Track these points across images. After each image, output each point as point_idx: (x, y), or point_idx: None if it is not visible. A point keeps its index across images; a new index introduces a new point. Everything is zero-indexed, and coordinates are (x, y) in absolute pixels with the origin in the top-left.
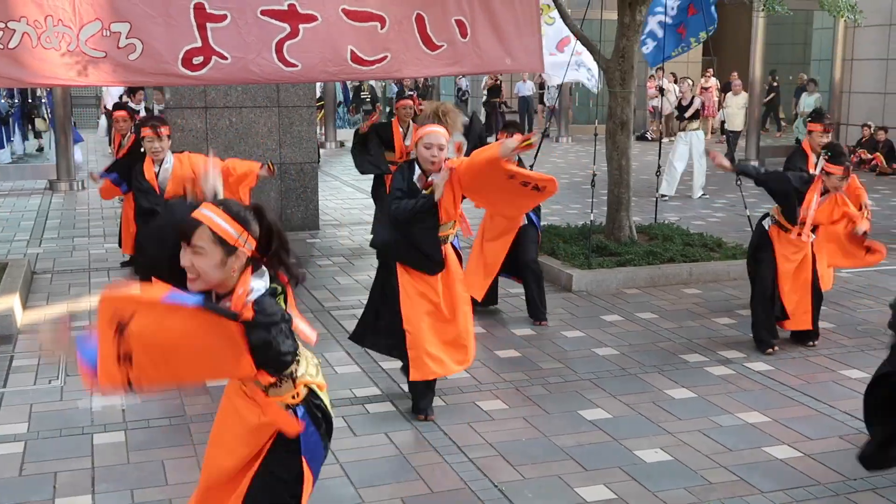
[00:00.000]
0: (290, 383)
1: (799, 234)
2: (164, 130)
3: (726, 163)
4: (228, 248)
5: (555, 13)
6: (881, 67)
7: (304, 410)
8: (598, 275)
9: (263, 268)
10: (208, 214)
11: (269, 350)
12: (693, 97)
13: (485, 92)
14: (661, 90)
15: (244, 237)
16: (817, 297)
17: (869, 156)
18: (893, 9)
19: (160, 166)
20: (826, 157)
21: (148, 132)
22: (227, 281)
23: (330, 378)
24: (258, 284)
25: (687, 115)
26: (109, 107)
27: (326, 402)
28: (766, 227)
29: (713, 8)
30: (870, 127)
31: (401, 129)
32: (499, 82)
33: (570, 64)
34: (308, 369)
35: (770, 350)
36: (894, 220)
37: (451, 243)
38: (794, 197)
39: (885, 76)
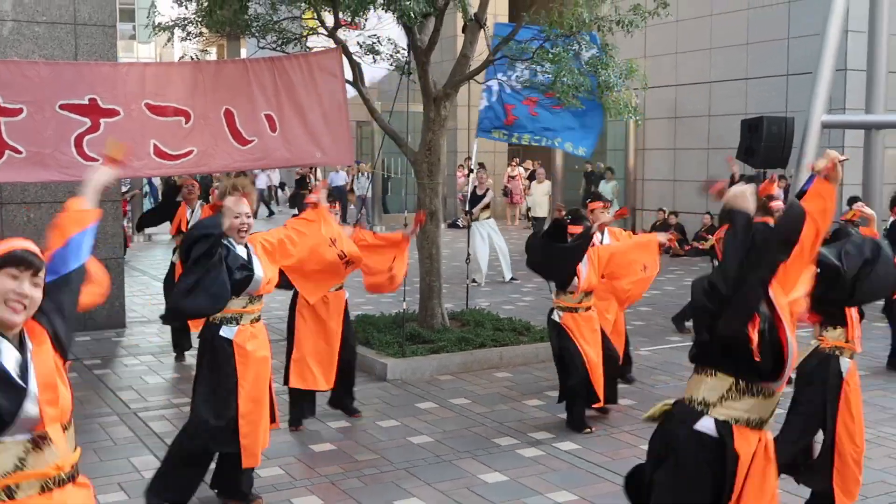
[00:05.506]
0: None
1: (587, 309)
2: None
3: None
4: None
5: None
6: (669, 157)
7: None
8: (412, 363)
9: None
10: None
11: None
12: (487, 189)
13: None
14: (471, 171)
15: None
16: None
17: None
18: (677, 103)
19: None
20: (568, 220)
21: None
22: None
23: (137, 484)
24: None
25: (478, 207)
26: None
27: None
28: (559, 320)
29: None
30: (664, 211)
31: (188, 211)
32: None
33: None
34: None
35: (588, 430)
36: (686, 300)
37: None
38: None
39: (673, 165)
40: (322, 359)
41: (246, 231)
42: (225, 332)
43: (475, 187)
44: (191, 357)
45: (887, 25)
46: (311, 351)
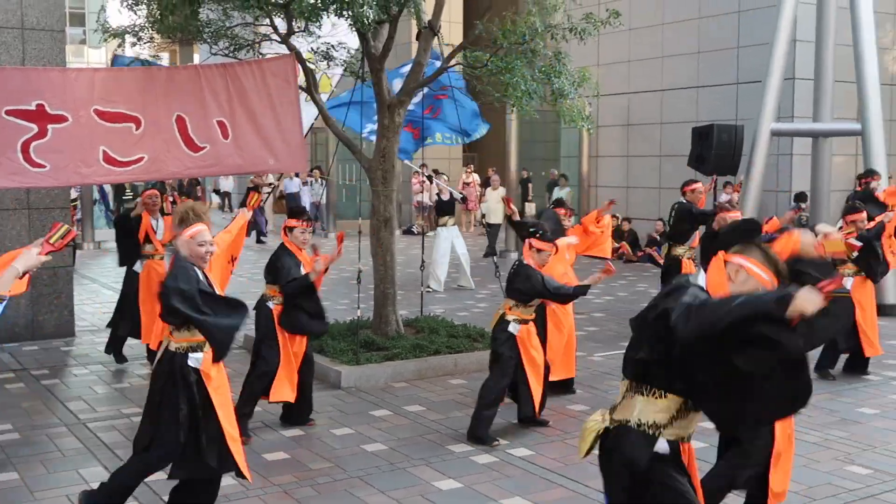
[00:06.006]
0: None
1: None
2: None
3: None
4: None
5: None
6: (622, 163)
7: None
8: (367, 370)
9: None
10: None
11: None
12: (451, 193)
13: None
14: (430, 178)
15: None
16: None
17: (616, 244)
18: (630, 111)
19: None
20: (537, 235)
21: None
22: None
23: None
24: None
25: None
26: None
27: None
28: (516, 333)
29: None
30: (617, 218)
31: (152, 221)
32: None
33: None
34: None
35: (497, 442)
36: (639, 305)
37: None
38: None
39: (626, 171)
40: (291, 375)
41: (204, 260)
42: (192, 361)
43: (438, 194)
44: (138, 365)
45: (833, 35)
46: (288, 367)
